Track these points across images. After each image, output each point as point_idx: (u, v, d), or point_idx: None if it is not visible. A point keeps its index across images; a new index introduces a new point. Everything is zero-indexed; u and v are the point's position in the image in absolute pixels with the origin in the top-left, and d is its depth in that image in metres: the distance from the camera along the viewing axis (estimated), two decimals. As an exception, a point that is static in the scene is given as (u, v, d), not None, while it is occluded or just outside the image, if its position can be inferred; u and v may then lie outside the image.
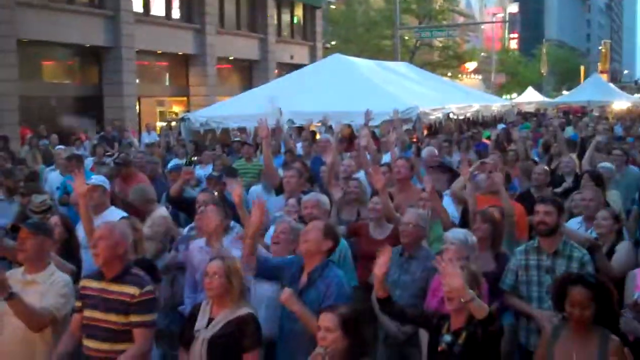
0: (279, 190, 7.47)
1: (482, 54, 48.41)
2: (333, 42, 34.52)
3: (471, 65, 45.67)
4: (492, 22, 51.41)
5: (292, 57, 29.63)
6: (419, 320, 4.38)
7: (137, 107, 21.98)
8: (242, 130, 14.54)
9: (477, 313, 3.83)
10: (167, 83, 25.21)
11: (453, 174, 7.91)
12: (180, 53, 24.53)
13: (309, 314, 4.25)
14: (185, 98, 25.11)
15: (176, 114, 23.49)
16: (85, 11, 20.21)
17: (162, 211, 7.01)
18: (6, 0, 17.03)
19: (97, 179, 6.89)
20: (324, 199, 6.14)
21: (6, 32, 16.99)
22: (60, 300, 4.42)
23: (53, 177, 9.63)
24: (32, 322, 4.29)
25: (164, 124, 21.10)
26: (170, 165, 9.98)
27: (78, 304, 4.37)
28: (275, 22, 29.36)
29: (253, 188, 8.32)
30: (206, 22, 24.91)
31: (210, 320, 4.28)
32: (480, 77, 50.40)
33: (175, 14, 24.41)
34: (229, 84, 27.03)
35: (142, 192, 7.09)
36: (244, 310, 4.24)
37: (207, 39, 24.88)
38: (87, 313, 4.28)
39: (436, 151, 9.24)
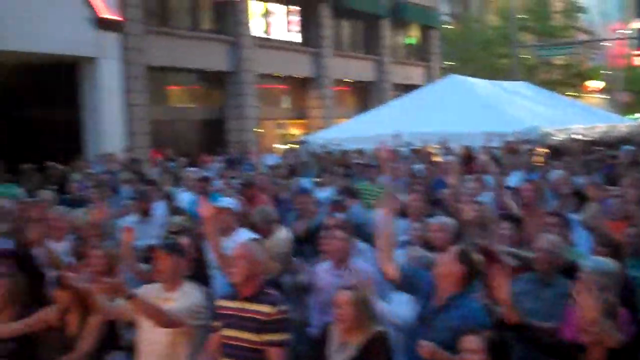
0: (402, 213, 7.48)
1: (606, 71, 46.52)
2: (449, 62, 34.22)
3: (597, 84, 43.97)
4: (615, 39, 49.38)
5: (408, 78, 29.60)
6: (554, 350, 4.25)
7: (258, 129, 22.56)
8: (359, 152, 14.64)
9: (612, 345, 3.70)
10: (286, 106, 25.76)
11: (582, 198, 7.67)
12: (298, 76, 25.03)
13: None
14: (303, 120, 25.56)
15: (294, 136, 23.92)
16: (208, 37, 21.03)
17: (284, 232, 7.15)
18: (137, 29, 17.99)
19: (225, 201, 7.12)
20: (451, 222, 6.09)
21: (137, 60, 17.94)
22: (189, 309, 4.58)
23: (183, 198, 9.97)
24: (158, 318, 4.45)
25: (284, 146, 21.54)
26: (294, 186, 10.13)
27: (216, 324, 4.52)
28: (391, 43, 29.45)
29: (376, 210, 8.32)
30: (323, 45, 25.33)
31: (341, 344, 4.33)
32: (605, 96, 48.48)
33: (294, 37, 24.96)
34: (346, 105, 27.31)
35: (264, 213, 7.26)
36: (374, 330, 4.29)
37: (324, 61, 25.29)
38: (224, 332, 4.42)
39: (566, 174, 8.98)
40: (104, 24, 16.93)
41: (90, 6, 16.65)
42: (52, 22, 15.56)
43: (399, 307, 5.02)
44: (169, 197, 9.15)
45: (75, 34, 16.24)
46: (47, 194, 9.01)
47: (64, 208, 7.53)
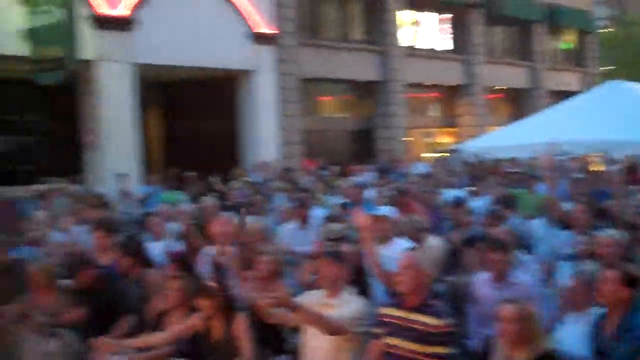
0: (563, 225, 7.22)
1: None
2: (606, 67, 32.60)
3: None
4: None
5: (563, 85, 28.49)
6: None
7: (407, 138, 22.53)
8: (513, 160, 14.25)
9: None
10: (435, 114, 25.55)
11: None
12: (448, 84, 24.77)
13: None
14: (453, 129, 25.25)
15: (443, 144, 23.66)
16: (358, 48, 21.26)
17: (434, 241, 7.09)
18: (291, 42, 18.54)
19: (381, 209, 7.16)
20: (621, 235, 5.79)
21: (291, 71, 18.49)
22: (351, 316, 4.62)
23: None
24: (322, 326, 4.53)
25: (433, 155, 21.36)
26: (447, 196, 10.01)
27: (378, 331, 4.55)
28: (546, 49, 28.47)
29: (536, 221, 8.08)
30: (474, 52, 24.91)
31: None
32: None
33: (443, 46, 24.74)
34: (498, 113, 26.66)
35: (414, 222, 7.24)
36: (542, 348, 4.13)
37: (475, 69, 24.87)
38: (387, 340, 4.44)
39: None
40: (260, 38, 17.59)
41: (247, 21, 17.36)
42: (213, 38, 16.36)
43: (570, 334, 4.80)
44: (345, 207, 9.15)
45: (233, 48, 16.98)
46: (210, 201, 9.42)
47: (228, 214, 7.83)
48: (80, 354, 6.00)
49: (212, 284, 5.17)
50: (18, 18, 12.98)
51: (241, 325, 5.04)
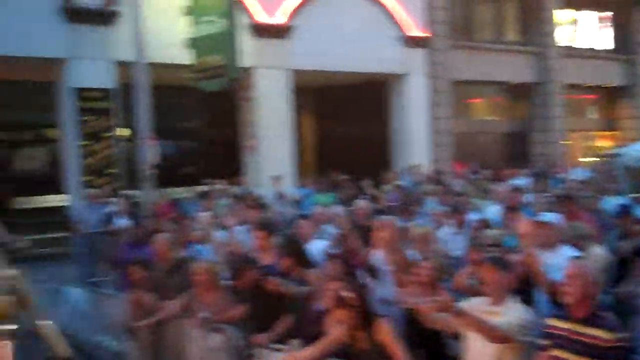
0: None
1: None
2: None
3: None
4: None
5: None
6: None
7: (565, 142, 21.69)
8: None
9: None
10: (594, 117, 24.43)
11: None
12: (608, 85, 23.60)
13: None
14: (613, 132, 24.02)
15: (603, 148, 22.54)
16: (513, 50, 20.79)
17: (598, 250, 6.76)
18: (443, 45, 18.38)
19: (545, 216, 6.90)
20: None
21: (442, 74, 18.34)
22: (515, 324, 4.50)
23: (491, 212, 9.88)
24: (486, 333, 4.44)
25: (592, 159, 20.43)
26: (610, 204, 9.51)
27: (545, 342, 4.39)
28: None
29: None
30: (636, 51, 23.59)
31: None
32: None
33: (603, 45, 23.61)
34: (663, 117, 25.08)
35: (577, 228, 6.94)
36: None
37: (638, 69, 23.56)
38: (555, 352, 4.28)
39: None
40: (412, 41, 17.57)
41: (399, 25, 17.38)
42: (365, 43, 16.55)
43: None
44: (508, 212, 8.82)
45: (385, 52, 17.09)
46: (364, 204, 9.47)
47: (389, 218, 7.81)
48: (242, 350, 6.22)
49: (349, 293, 5.10)
50: (182, 28, 13.71)
51: (384, 331, 4.98)
